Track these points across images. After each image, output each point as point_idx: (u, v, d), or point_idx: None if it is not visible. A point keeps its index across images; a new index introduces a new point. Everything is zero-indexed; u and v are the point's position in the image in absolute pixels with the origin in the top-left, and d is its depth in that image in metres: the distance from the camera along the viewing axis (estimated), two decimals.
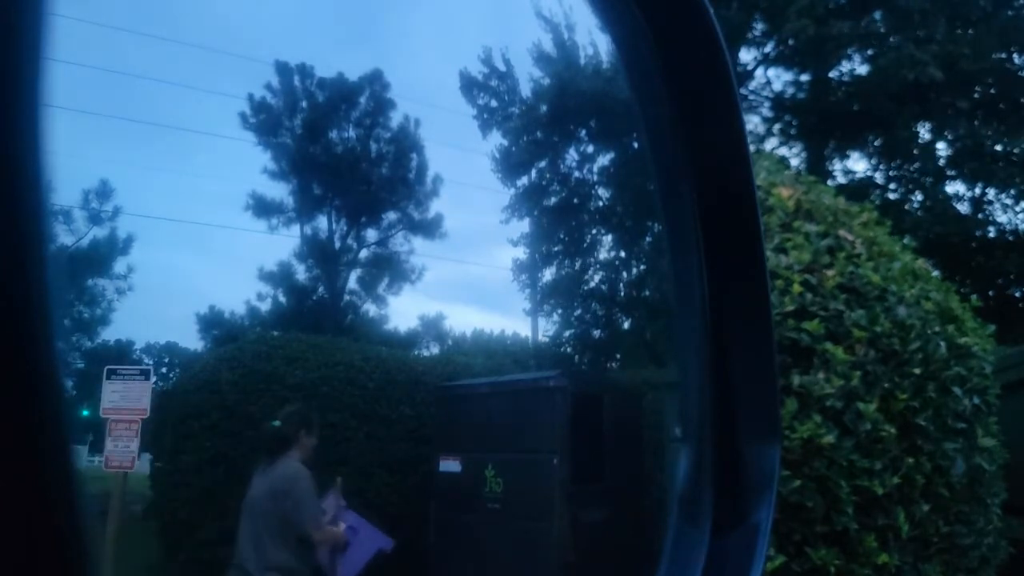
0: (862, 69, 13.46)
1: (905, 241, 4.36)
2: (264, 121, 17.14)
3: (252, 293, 18.28)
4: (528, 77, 17.32)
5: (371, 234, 18.19)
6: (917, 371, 3.31)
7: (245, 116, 17.04)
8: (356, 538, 4.66)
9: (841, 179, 14.19)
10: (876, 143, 14.05)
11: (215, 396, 7.43)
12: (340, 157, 17.27)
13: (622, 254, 13.74)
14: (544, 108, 13.37)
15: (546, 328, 14.82)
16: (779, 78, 14.60)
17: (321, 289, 17.83)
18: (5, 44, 0.38)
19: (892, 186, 14.46)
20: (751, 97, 14.47)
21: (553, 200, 14.12)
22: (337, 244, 17.74)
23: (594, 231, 14.18)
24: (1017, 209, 13.74)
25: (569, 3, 13.80)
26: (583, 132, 13.58)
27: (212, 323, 17.85)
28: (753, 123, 14.40)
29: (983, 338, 3.97)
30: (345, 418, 7.77)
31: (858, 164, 14.80)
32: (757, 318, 0.91)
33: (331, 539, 4.22)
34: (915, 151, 13.75)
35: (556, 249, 14.18)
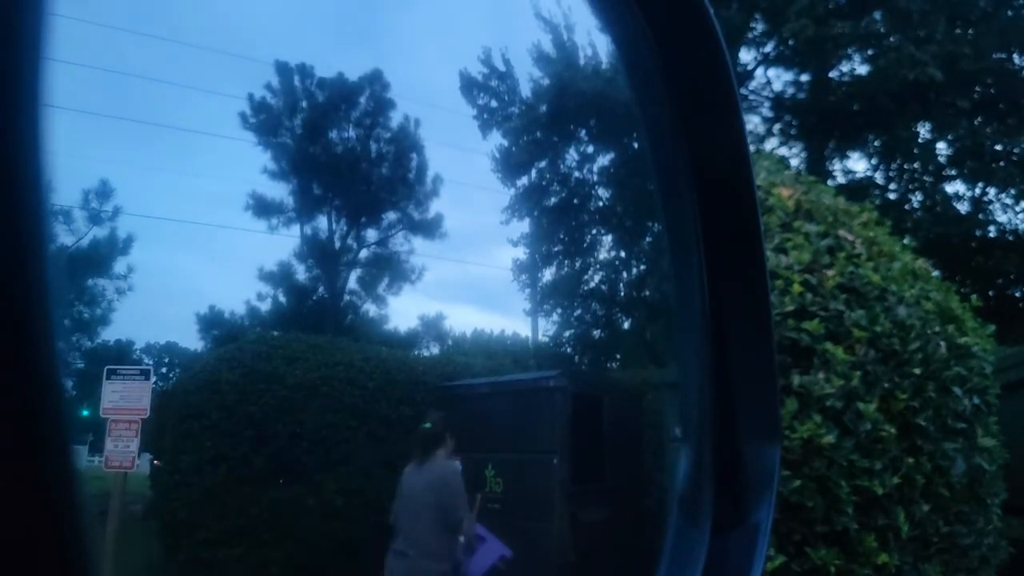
0: (862, 69, 13.48)
1: (905, 241, 4.36)
2: (264, 121, 17.12)
3: (252, 293, 18.25)
4: (528, 77, 17.31)
5: (371, 234, 18.16)
6: (917, 371, 3.31)
7: (245, 116, 17.02)
8: (483, 546, 5.20)
9: (841, 179, 14.20)
10: (876, 143, 14.05)
11: (215, 396, 7.43)
12: (340, 157, 17.25)
13: (622, 254, 13.75)
14: (544, 108, 13.37)
15: (546, 328, 14.82)
16: (779, 78, 14.62)
17: (321, 289, 17.82)
18: (5, 44, 0.38)
19: (892, 186, 14.47)
20: (751, 97, 14.48)
21: (553, 200, 14.12)
22: (337, 244, 17.73)
23: (594, 231, 14.19)
24: (1017, 209, 13.75)
25: (569, 3, 13.79)
26: (583, 132, 13.59)
27: (212, 323, 17.82)
28: (753, 123, 14.41)
29: (983, 338, 3.97)
30: (345, 418, 7.76)
31: (858, 164, 14.82)
32: (757, 318, 0.91)
33: (472, 533, 4.85)
34: (915, 151, 13.75)
35: (556, 249, 14.17)
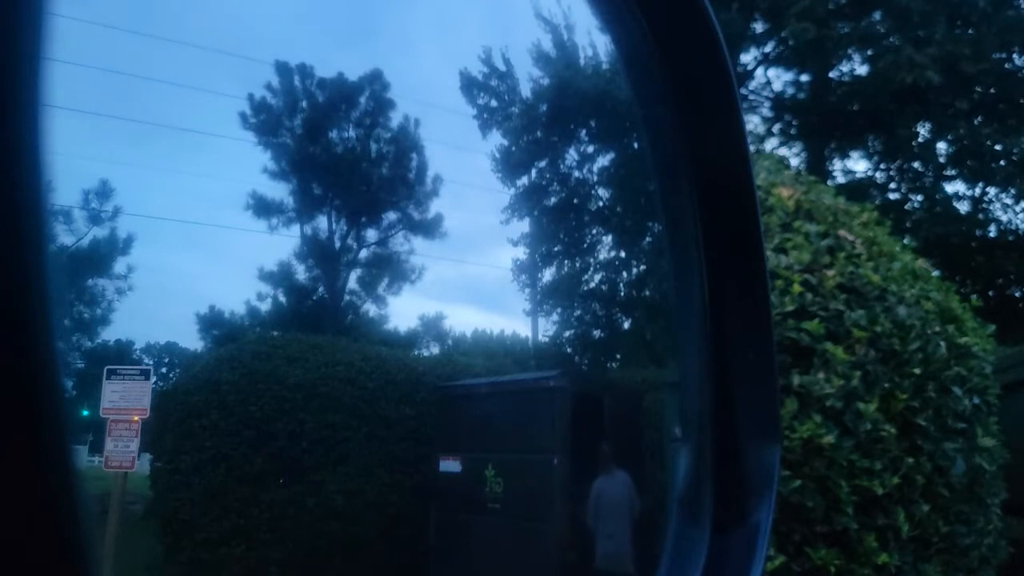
0: (862, 69, 13.48)
1: (905, 241, 4.36)
2: (264, 121, 17.11)
3: (252, 293, 18.22)
4: (528, 77, 17.34)
5: (371, 234, 18.13)
6: (917, 371, 3.30)
7: (245, 116, 16.99)
8: None
9: (841, 179, 14.20)
10: (876, 143, 14.05)
11: (215, 396, 7.43)
12: (340, 157, 17.24)
13: (622, 254, 13.73)
14: (544, 108, 13.36)
15: (546, 328, 14.82)
16: (779, 78, 14.63)
17: (321, 289, 17.81)
18: (5, 44, 0.38)
19: (892, 186, 14.48)
20: (751, 97, 14.48)
21: (553, 200, 14.11)
22: (337, 244, 17.71)
23: (594, 231, 14.17)
24: (1017, 209, 13.75)
25: (569, 3, 13.79)
26: (583, 132, 13.58)
27: (212, 323, 17.81)
28: (753, 123, 14.41)
29: (983, 338, 3.96)
30: (345, 418, 7.77)
31: (858, 164, 14.83)
32: (757, 318, 0.91)
33: None
34: (915, 151, 13.75)
35: (556, 249, 14.16)
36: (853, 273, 3.45)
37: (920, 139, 13.71)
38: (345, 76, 17.42)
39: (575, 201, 13.99)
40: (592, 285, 13.94)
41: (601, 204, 14.00)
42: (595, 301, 13.73)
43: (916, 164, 14.02)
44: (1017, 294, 13.75)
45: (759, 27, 13.71)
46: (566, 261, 14.22)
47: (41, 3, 0.40)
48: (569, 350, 13.62)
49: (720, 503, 0.86)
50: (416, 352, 15.59)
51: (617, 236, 13.62)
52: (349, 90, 17.55)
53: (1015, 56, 12.81)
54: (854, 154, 14.61)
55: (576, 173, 14.03)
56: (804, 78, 14.26)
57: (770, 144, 14.37)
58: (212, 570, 7.08)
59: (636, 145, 12.21)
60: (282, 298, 17.61)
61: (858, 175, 14.51)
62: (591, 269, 14.11)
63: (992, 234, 13.68)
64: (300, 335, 8.85)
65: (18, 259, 0.38)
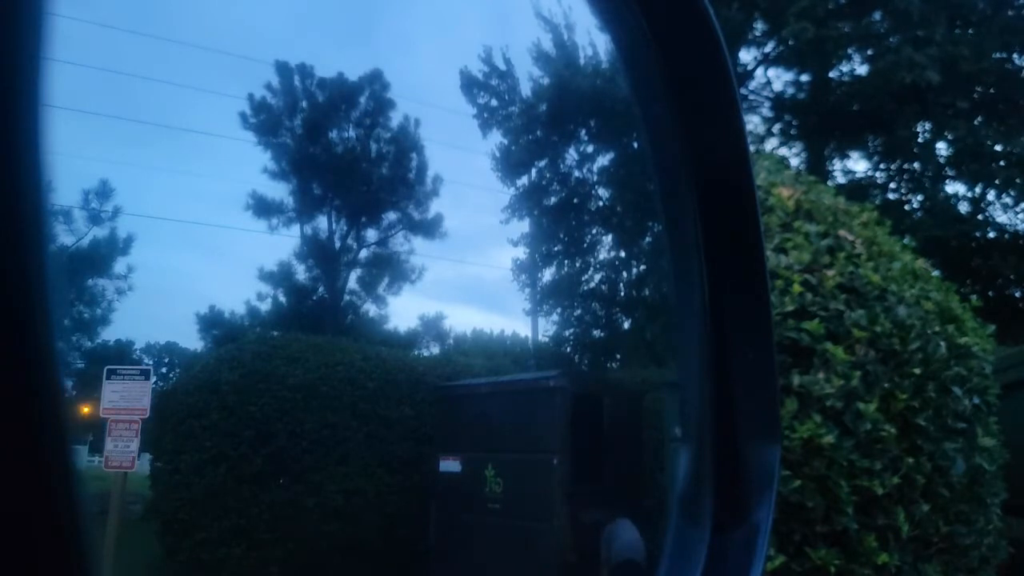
0: (862, 69, 13.50)
1: (905, 241, 4.37)
2: (264, 121, 17.11)
3: (252, 293, 18.21)
4: (528, 76, 17.35)
5: (371, 234, 18.13)
6: (917, 371, 3.30)
7: (245, 116, 16.98)
8: None
9: (841, 179, 14.22)
10: (876, 143, 14.06)
11: (215, 396, 7.43)
12: (340, 157, 17.25)
13: (622, 254, 13.74)
14: (544, 108, 13.38)
15: (546, 328, 14.82)
16: (779, 78, 14.64)
17: (321, 289, 17.82)
18: (5, 44, 0.38)
19: (892, 186, 14.49)
20: (751, 97, 14.49)
21: (553, 200, 14.11)
22: (337, 244, 17.71)
23: (594, 231, 14.18)
24: (1017, 210, 13.75)
25: (569, 3, 13.79)
26: (583, 132, 13.59)
27: (212, 323, 17.79)
28: (753, 123, 14.43)
29: (983, 338, 3.96)
30: (345, 418, 7.76)
31: (858, 164, 14.84)
32: (757, 318, 0.91)
33: None
34: (915, 151, 13.76)
35: (556, 249, 14.17)
36: (853, 273, 3.45)
37: (920, 139, 13.72)
38: (345, 76, 17.42)
39: (575, 201, 13.99)
40: (592, 285, 13.95)
41: (601, 204, 14.01)
42: (595, 301, 13.74)
43: (916, 164, 14.03)
44: (1017, 294, 13.75)
45: (759, 27, 13.72)
46: (566, 261, 14.22)
47: (41, 3, 0.40)
48: (569, 350, 13.62)
49: (720, 503, 0.86)
50: (416, 352, 15.57)
51: (617, 236, 13.63)
52: (349, 90, 17.55)
53: (1015, 56, 12.81)
54: (854, 154, 14.64)
55: (576, 173, 14.04)
56: (804, 78, 14.28)
57: (770, 144, 14.39)
58: (212, 570, 7.08)
59: (636, 145, 12.21)
60: (282, 298, 17.62)
61: (858, 175, 14.54)
62: (591, 269, 14.12)
63: (992, 235, 13.68)
64: (300, 335, 8.84)
65: (18, 259, 0.38)
